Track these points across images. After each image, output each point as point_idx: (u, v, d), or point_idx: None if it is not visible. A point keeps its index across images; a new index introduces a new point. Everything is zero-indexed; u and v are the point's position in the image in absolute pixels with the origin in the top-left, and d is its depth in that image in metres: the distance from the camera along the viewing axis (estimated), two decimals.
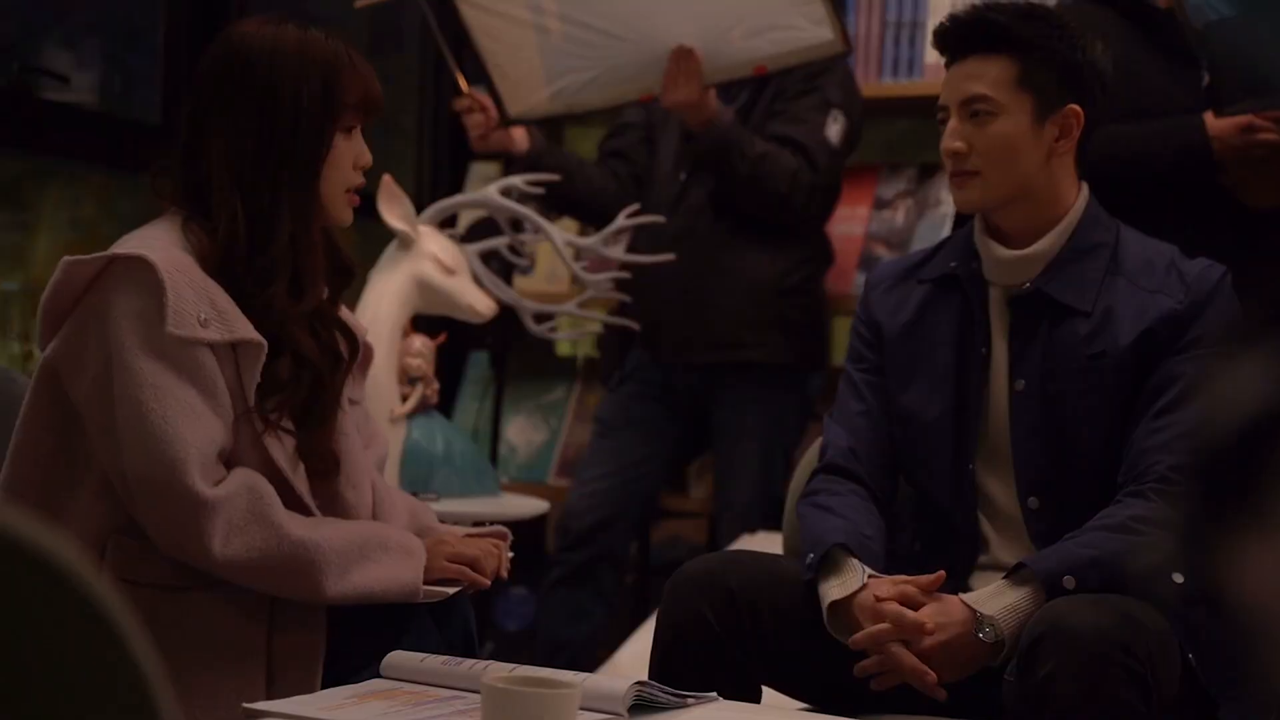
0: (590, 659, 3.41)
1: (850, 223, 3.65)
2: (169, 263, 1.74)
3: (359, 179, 1.91)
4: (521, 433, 4.01)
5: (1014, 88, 2.02)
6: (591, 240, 3.05)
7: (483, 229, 3.27)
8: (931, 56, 3.60)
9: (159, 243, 1.78)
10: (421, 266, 2.82)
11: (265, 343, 1.79)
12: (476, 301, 2.87)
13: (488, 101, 3.22)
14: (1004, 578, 1.93)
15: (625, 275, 3.14)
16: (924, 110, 3.76)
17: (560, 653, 3.33)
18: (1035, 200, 2.07)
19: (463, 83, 3.29)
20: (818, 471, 2.18)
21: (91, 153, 3.43)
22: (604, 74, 3.12)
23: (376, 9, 3.38)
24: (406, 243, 2.83)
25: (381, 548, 1.83)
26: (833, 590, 1.95)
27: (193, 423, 1.72)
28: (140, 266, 1.73)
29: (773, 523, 3.29)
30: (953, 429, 2.08)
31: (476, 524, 2.15)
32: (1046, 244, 2.06)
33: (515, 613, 3.96)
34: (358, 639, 1.83)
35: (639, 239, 3.29)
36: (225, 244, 1.80)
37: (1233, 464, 0.51)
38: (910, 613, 1.89)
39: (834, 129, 3.24)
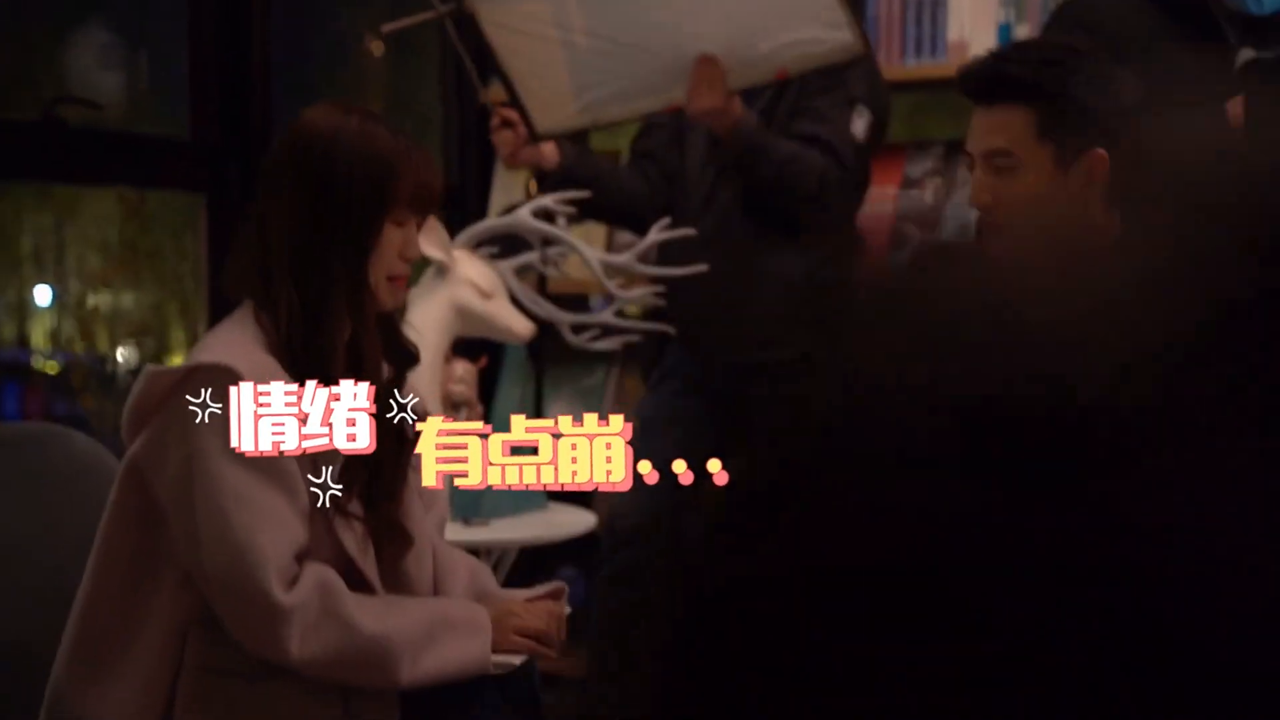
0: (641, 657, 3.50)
1: (879, 202, 3.66)
2: (249, 366, 1.79)
3: (404, 268, 1.95)
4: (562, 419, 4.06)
5: (1034, 139, 2.00)
6: (624, 258, 3.09)
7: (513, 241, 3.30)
8: (954, 34, 3.61)
9: (236, 345, 1.83)
10: (459, 292, 2.87)
11: None
12: (515, 324, 2.92)
13: (516, 119, 3.25)
14: None
15: (659, 290, 3.18)
16: (948, 88, 3.77)
17: (612, 652, 3.42)
18: (1067, 243, 2.07)
19: (483, 94, 3.32)
20: None
21: (125, 175, 3.47)
22: (630, 85, 3.14)
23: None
24: (443, 269, 2.88)
25: (449, 627, 1.89)
26: None
27: (273, 530, 1.78)
28: (222, 375, 1.78)
29: None
30: None
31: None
32: None
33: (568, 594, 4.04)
34: (427, 716, 1.90)
35: (671, 241, 3.33)
36: (286, 325, 1.86)
37: None
38: None
39: (859, 124, 3.25)
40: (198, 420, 1.78)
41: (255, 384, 1.77)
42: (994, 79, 2.03)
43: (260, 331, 1.86)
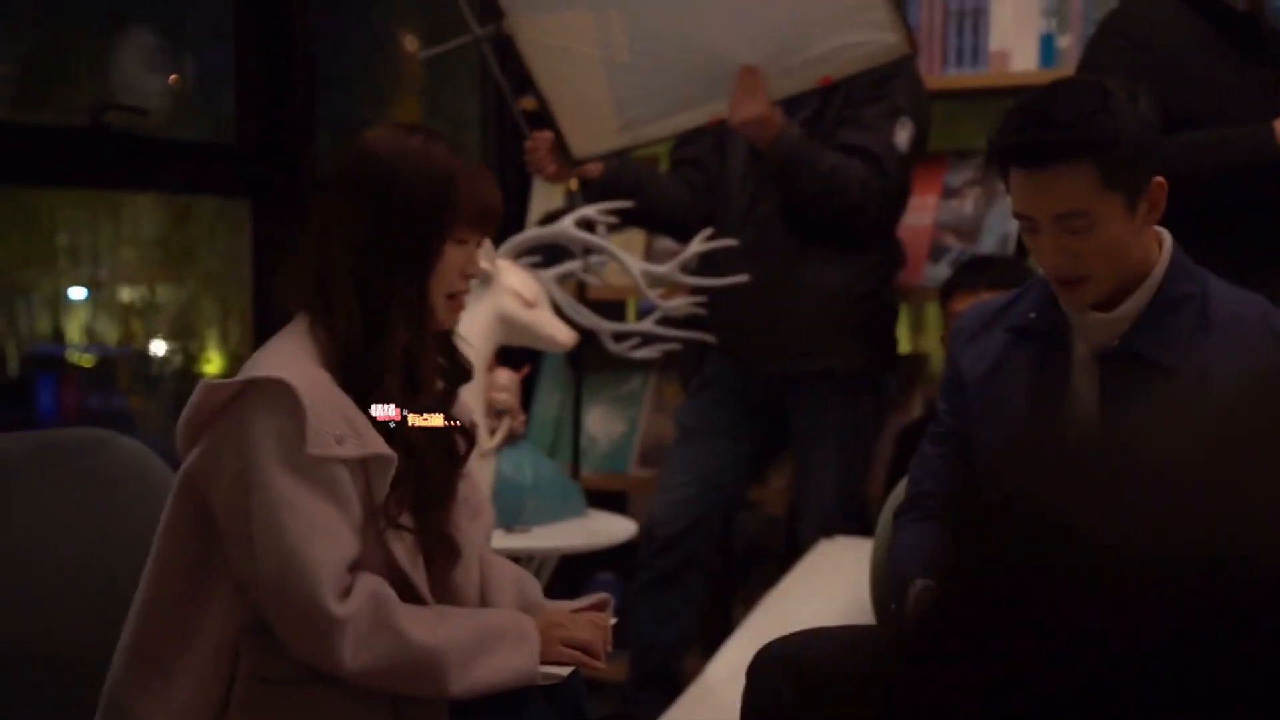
0: (679, 660, 3.52)
1: (919, 213, 3.67)
2: (305, 381, 1.81)
3: (464, 286, 1.97)
4: (601, 423, 4.09)
5: (1102, 191, 1.96)
6: (667, 268, 3.10)
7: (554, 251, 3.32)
8: (995, 44, 3.61)
9: (292, 360, 1.85)
10: (502, 301, 2.89)
11: (395, 456, 1.86)
12: (557, 332, 2.93)
13: (552, 143, 3.26)
14: None
15: (700, 299, 3.19)
16: (989, 97, 3.78)
17: (651, 655, 3.44)
18: (1128, 269, 2.04)
19: (519, 104, 3.33)
20: (897, 514, 2.24)
21: (171, 182, 3.51)
22: (671, 101, 3.15)
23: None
24: (487, 279, 2.90)
25: (498, 637, 1.91)
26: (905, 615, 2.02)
27: (328, 541, 1.80)
28: (278, 389, 1.80)
29: (853, 525, 3.37)
30: None
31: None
32: (1134, 303, 2.04)
33: None
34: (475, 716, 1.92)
35: (712, 251, 3.34)
36: (344, 339, 1.88)
37: None
38: None
39: (903, 135, 3.26)
40: (253, 433, 1.80)
41: (309, 398, 1.79)
42: (1049, 145, 1.96)
43: (315, 346, 1.88)
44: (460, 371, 2.04)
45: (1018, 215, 2.03)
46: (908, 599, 2.05)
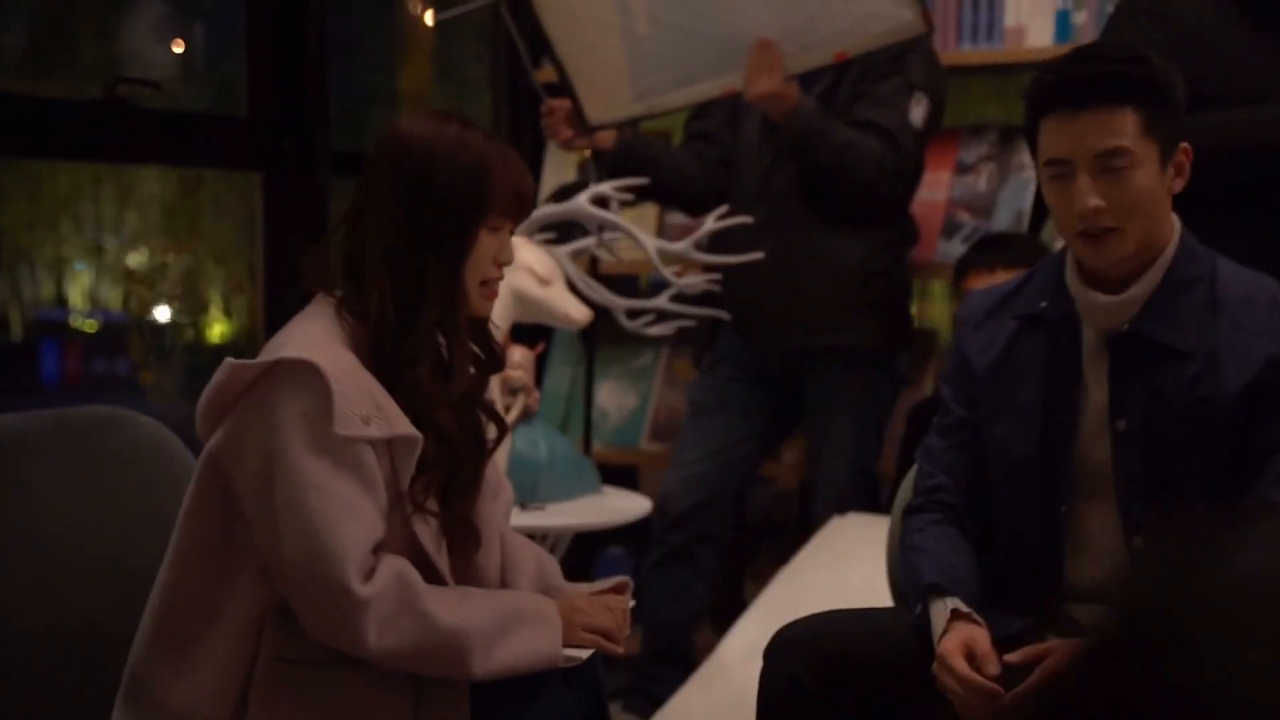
0: (691, 636, 3.53)
1: (933, 189, 3.66)
2: (332, 362, 1.80)
3: (497, 273, 1.97)
4: (612, 397, 4.09)
5: (1143, 137, 1.97)
6: (682, 245, 3.09)
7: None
8: (1011, 20, 3.60)
9: (319, 341, 1.84)
10: (518, 279, 2.88)
11: (420, 437, 1.85)
12: (572, 310, 2.93)
13: (567, 108, 3.25)
14: None
15: (715, 276, 3.18)
16: (1003, 73, 3.76)
17: (663, 630, 3.45)
18: (1150, 232, 2.03)
19: (535, 75, 3.32)
20: (908, 512, 2.23)
21: (183, 155, 3.50)
22: (687, 72, 3.14)
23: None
24: None
25: (520, 620, 1.91)
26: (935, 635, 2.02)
27: (353, 522, 1.79)
28: (306, 370, 1.79)
29: (866, 501, 3.38)
30: (1039, 467, 2.09)
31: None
32: (1143, 286, 2.04)
33: (614, 571, 4.07)
34: (494, 705, 1.93)
35: (727, 227, 3.33)
36: (376, 323, 1.87)
37: None
38: (978, 680, 1.95)
39: (918, 111, 3.24)
40: (279, 414, 1.80)
41: (337, 379, 1.79)
42: (1099, 80, 1.97)
43: (342, 329, 1.88)
44: (493, 359, 2.03)
45: (1050, 162, 2.01)
46: (935, 613, 2.04)
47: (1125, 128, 1.96)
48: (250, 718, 1.85)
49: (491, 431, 2.04)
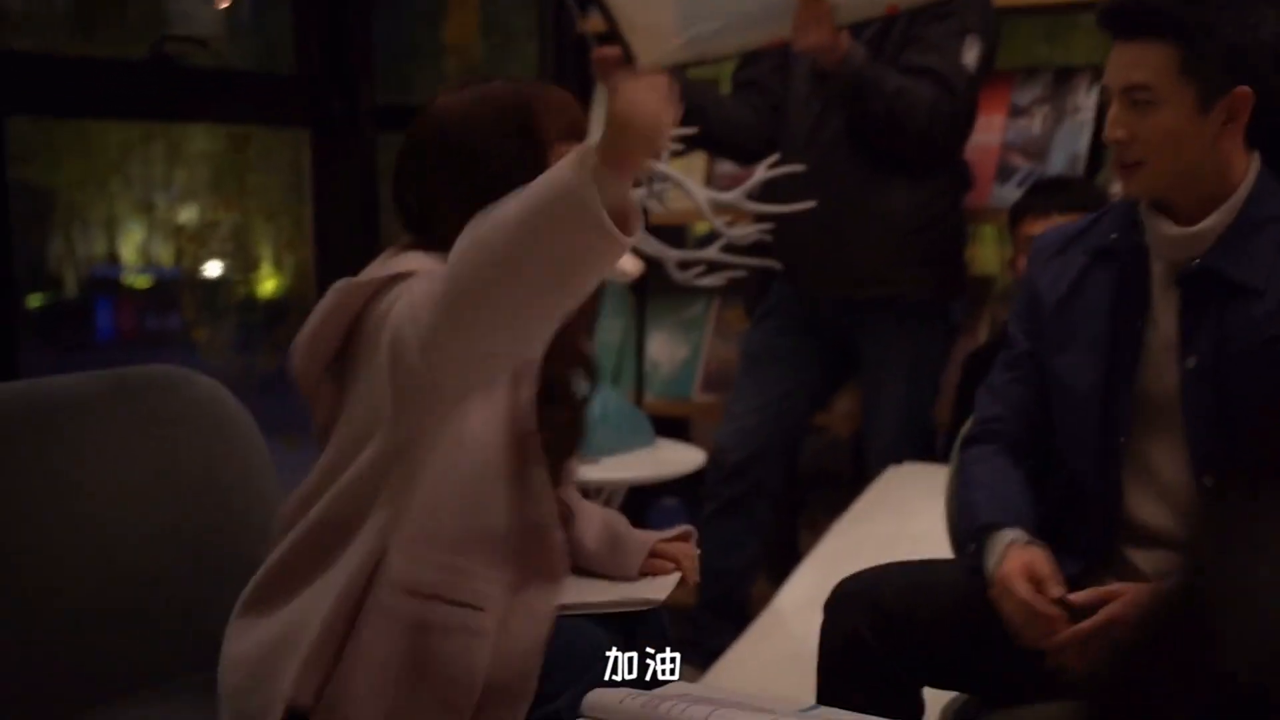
0: (746, 588, 3.53)
1: (986, 132, 3.61)
2: None
3: None
4: (663, 349, 4.07)
5: (1176, 76, 1.94)
6: (733, 195, 3.07)
7: None
8: None
9: (430, 264, 1.79)
10: None
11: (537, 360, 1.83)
12: (625, 262, 2.90)
13: (616, 54, 3.22)
14: None
15: (767, 226, 3.16)
16: (1055, 14, 3.70)
17: (718, 582, 3.44)
18: (1203, 180, 2.00)
19: (581, 24, 3.29)
20: (966, 443, 2.21)
21: (231, 112, 3.50)
22: (736, 20, 3.10)
23: None
24: None
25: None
26: (989, 569, 2.01)
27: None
28: (425, 276, 1.74)
29: (920, 451, 3.35)
30: (1101, 400, 2.07)
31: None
32: (1216, 220, 2.00)
33: (669, 523, 4.08)
34: (549, 670, 1.91)
35: (777, 177, 3.30)
36: None
37: None
38: (1042, 601, 1.93)
39: (971, 55, 3.19)
40: (421, 283, 1.72)
41: None
42: (1137, 12, 1.96)
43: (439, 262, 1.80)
44: (592, 312, 2.01)
45: (1103, 89, 2.05)
46: (991, 547, 2.02)
47: (1154, 63, 1.95)
48: (354, 635, 1.83)
49: (582, 384, 2.02)
